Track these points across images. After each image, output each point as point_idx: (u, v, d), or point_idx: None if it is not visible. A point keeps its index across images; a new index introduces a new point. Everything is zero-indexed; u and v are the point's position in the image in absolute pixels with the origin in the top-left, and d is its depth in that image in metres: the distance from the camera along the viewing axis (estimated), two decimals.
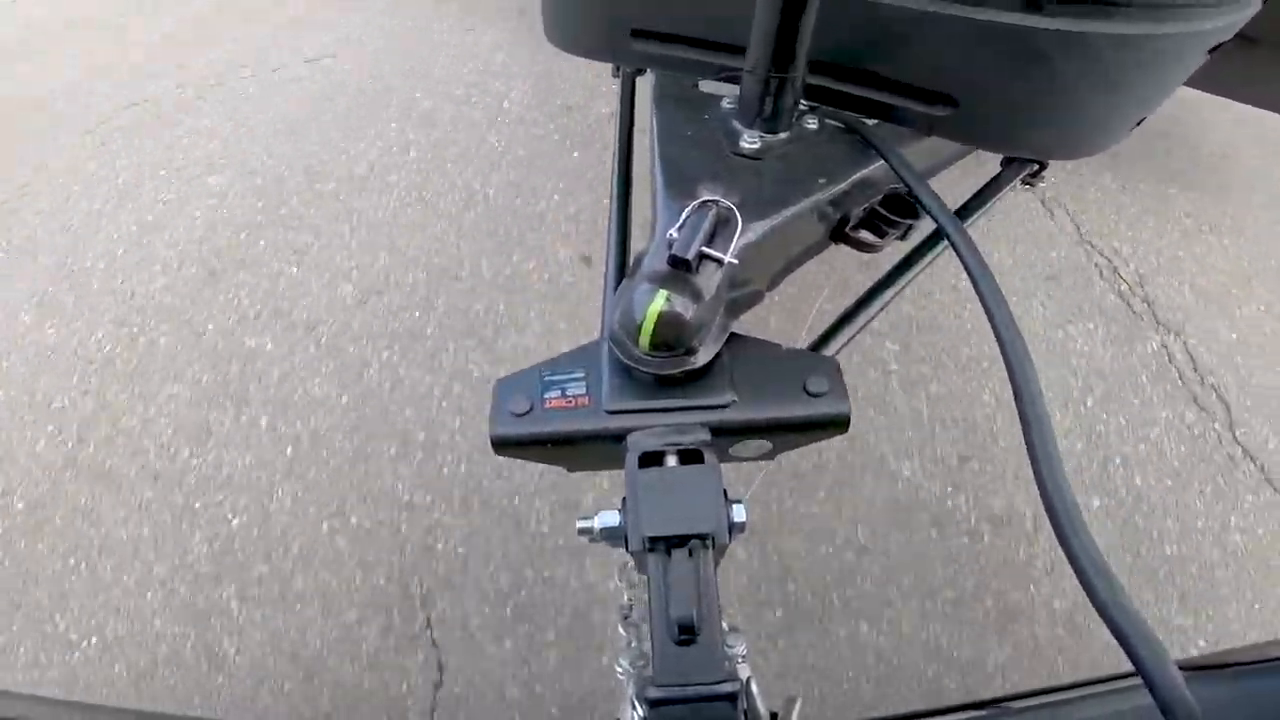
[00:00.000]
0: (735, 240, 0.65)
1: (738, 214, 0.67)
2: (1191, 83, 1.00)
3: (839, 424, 0.66)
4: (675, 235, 0.64)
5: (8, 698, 0.61)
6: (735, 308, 0.72)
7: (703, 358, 0.65)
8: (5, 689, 0.83)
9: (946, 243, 0.70)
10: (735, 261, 0.64)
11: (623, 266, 0.90)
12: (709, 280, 0.64)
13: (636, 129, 1.14)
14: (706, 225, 0.64)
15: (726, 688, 0.51)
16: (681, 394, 0.65)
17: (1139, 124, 0.89)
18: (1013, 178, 1.09)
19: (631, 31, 0.93)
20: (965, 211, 1.03)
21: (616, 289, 0.85)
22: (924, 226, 0.90)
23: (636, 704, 0.53)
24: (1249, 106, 1.77)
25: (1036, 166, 1.11)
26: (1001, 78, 0.79)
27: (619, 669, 0.60)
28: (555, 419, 0.66)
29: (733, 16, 0.77)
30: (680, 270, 0.63)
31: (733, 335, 0.69)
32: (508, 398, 0.67)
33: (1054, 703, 0.65)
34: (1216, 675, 0.57)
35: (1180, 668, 0.40)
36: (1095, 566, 0.44)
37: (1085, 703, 0.62)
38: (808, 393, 0.65)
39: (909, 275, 0.91)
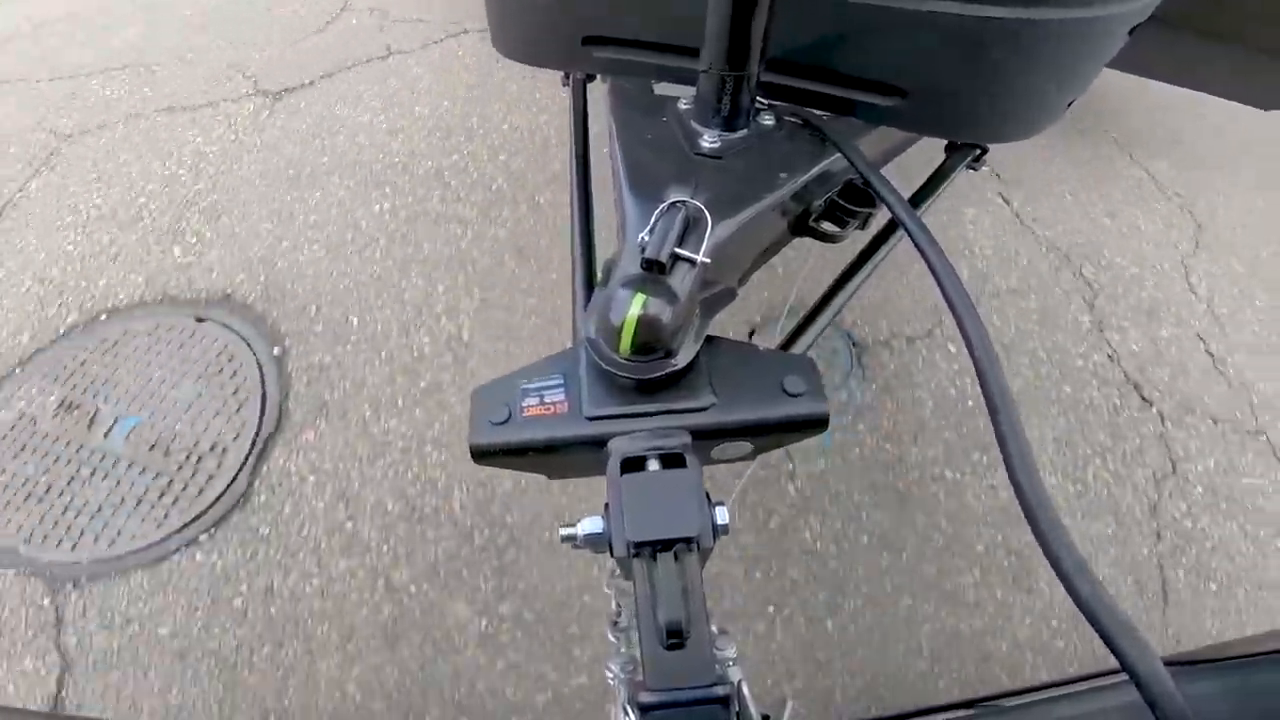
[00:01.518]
0: (706, 239, 0.66)
1: (707, 213, 0.67)
2: (1118, 65, 1.06)
3: (818, 423, 0.66)
4: (647, 238, 0.64)
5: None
6: (710, 307, 0.72)
7: (683, 358, 0.65)
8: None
9: (903, 231, 0.72)
10: (708, 261, 0.64)
11: (589, 272, 0.90)
12: (683, 281, 0.65)
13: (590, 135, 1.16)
14: (677, 226, 0.64)
15: (719, 690, 0.51)
16: (661, 398, 0.65)
17: (1070, 105, 0.93)
18: (958, 163, 1.13)
19: (583, 39, 0.92)
20: (917, 199, 1.06)
21: (586, 296, 0.86)
22: (883, 214, 0.92)
23: (629, 709, 0.52)
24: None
25: (979, 151, 1.16)
26: (943, 66, 0.81)
27: (609, 674, 0.59)
28: (535, 426, 0.65)
29: (685, 18, 0.78)
30: (654, 273, 0.63)
31: (710, 338, 0.70)
32: (486, 406, 0.66)
33: (1044, 700, 0.65)
34: (1202, 670, 0.57)
35: (1166, 663, 0.40)
36: (1075, 565, 0.44)
37: (1075, 699, 0.62)
38: (786, 393, 0.65)
39: (869, 267, 0.92)
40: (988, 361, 0.55)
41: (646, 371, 0.64)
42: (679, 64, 0.88)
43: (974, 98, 0.85)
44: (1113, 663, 0.42)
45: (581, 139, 1.15)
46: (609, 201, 0.88)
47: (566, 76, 1.35)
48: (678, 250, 0.63)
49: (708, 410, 0.65)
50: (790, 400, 0.65)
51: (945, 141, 1.17)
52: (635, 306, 0.62)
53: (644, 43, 0.90)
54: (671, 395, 0.65)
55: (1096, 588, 0.43)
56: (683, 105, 0.87)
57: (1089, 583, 0.44)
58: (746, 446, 0.69)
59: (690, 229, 0.66)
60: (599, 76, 1.18)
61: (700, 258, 0.64)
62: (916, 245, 0.66)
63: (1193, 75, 1.77)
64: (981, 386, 0.55)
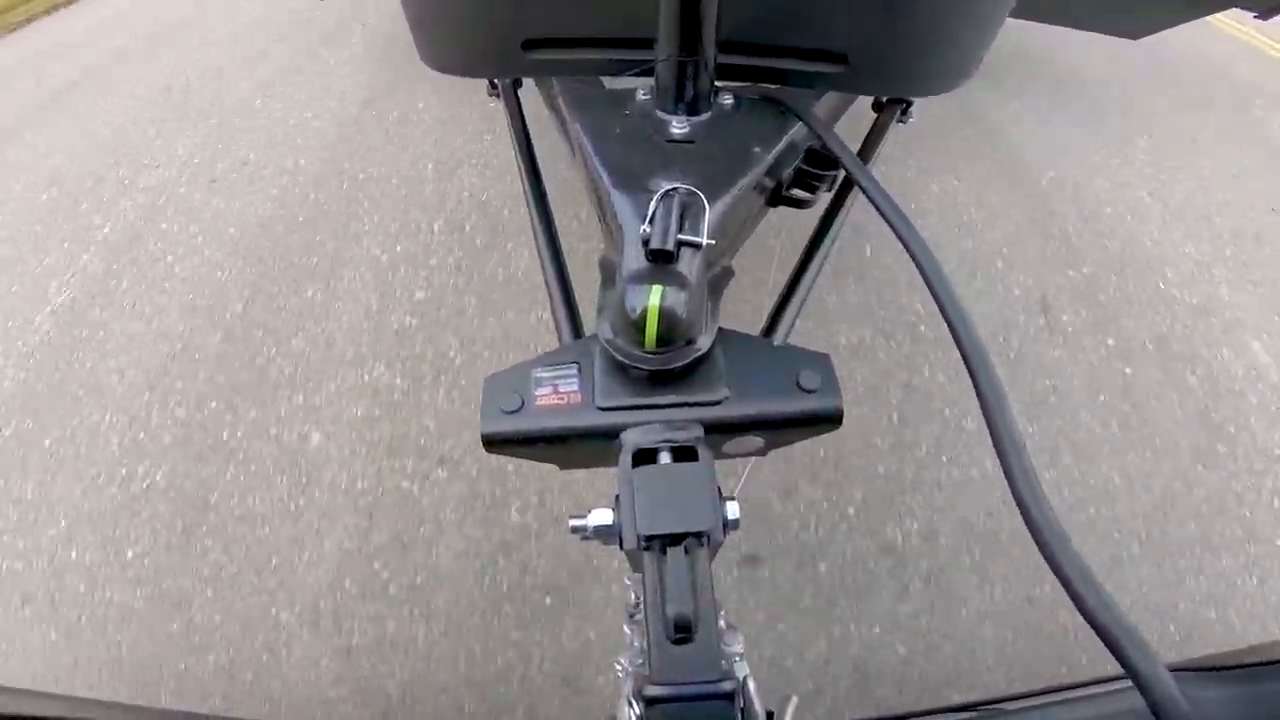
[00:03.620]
0: (705, 221, 0.66)
1: (701, 196, 0.68)
2: (1030, 16, 1.21)
3: (832, 419, 0.66)
4: (648, 230, 0.64)
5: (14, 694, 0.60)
6: (715, 287, 0.73)
7: (704, 343, 0.65)
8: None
9: (856, 193, 0.74)
10: (713, 242, 0.65)
11: (561, 271, 0.91)
12: (691, 266, 0.65)
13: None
14: (676, 213, 0.65)
15: (725, 686, 0.51)
16: (674, 390, 0.65)
17: (982, 56, 0.97)
18: (890, 118, 1.18)
19: (524, 43, 0.91)
20: (862, 158, 1.07)
21: (563, 293, 0.87)
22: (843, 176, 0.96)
23: (634, 702, 0.52)
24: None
25: (906, 104, 1.23)
26: (877, 27, 0.84)
27: (618, 667, 0.60)
28: (547, 416, 0.65)
29: (632, 12, 0.78)
30: (663, 263, 0.64)
31: (722, 330, 0.70)
32: (498, 394, 0.66)
33: (1046, 705, 0.65)
34: (1208, 676, 0.57)
35: (1171, 669, 0.41)
36: (1080, 574, 0.44)
37: (1077, 704, 0.62)
38: (801, 388, 0.65)
39: (832, 234, 0.94)
40: (982, 367, 0.55)
41: (672, 361, 0.64)
42: (627, 57, 0.88)
43: (905, 54, 0.89)
44: (1116, 669, 0.42)
45: (524, 142, 1.15)
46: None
47: (493, 86, 1.32)
48: (682, 236, 0.64)
49: (721, 404, 0.65)
50: (805, 396, 0.65)
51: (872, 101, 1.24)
52: (654, 297, 0.62)
53: (590, 39, 0.90)
54: (685, 388, 0.65)
55: (1101, 596, 0.43)
56: (642, 96, 0.87)
57: (1094, 591, 0.44)
58: (758, 441, 0.69)
59: (687, 213, 0.67)
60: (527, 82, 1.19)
61: (704, 240, 0.64)
62: (872, 200, 0.67)
63: (1064, 14, 1.93)
64: (976, 391, 0.55)
